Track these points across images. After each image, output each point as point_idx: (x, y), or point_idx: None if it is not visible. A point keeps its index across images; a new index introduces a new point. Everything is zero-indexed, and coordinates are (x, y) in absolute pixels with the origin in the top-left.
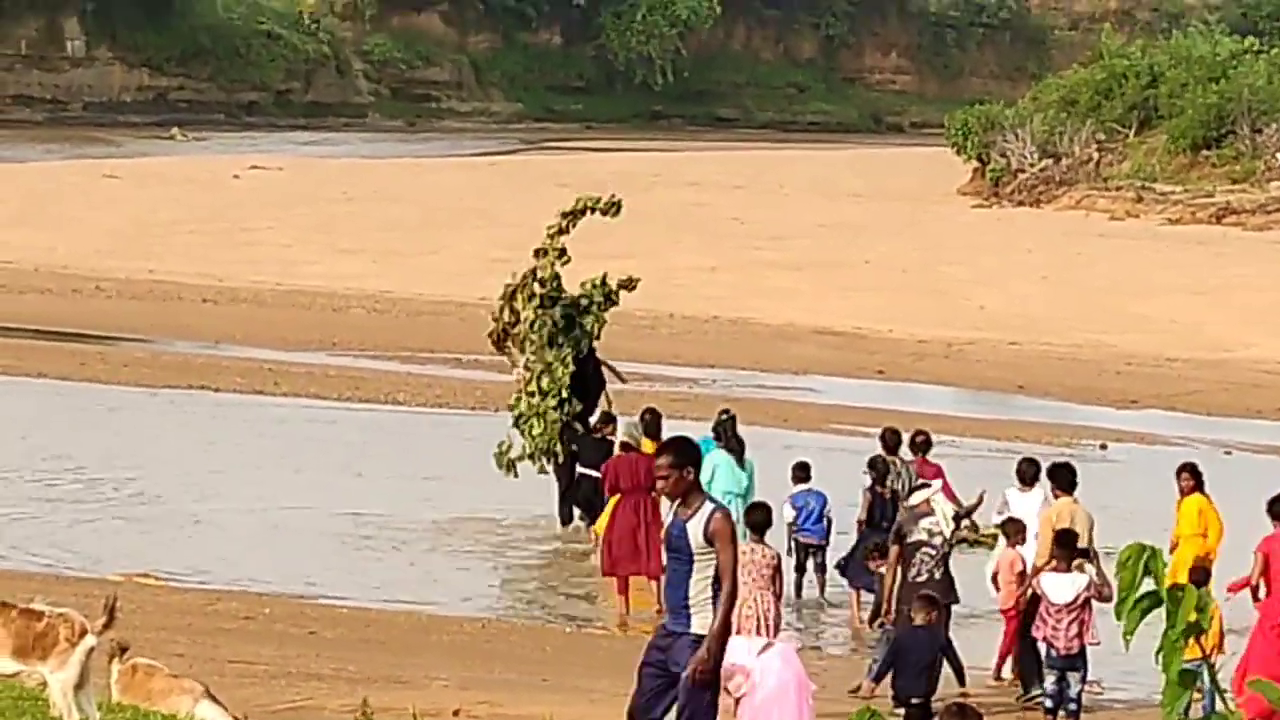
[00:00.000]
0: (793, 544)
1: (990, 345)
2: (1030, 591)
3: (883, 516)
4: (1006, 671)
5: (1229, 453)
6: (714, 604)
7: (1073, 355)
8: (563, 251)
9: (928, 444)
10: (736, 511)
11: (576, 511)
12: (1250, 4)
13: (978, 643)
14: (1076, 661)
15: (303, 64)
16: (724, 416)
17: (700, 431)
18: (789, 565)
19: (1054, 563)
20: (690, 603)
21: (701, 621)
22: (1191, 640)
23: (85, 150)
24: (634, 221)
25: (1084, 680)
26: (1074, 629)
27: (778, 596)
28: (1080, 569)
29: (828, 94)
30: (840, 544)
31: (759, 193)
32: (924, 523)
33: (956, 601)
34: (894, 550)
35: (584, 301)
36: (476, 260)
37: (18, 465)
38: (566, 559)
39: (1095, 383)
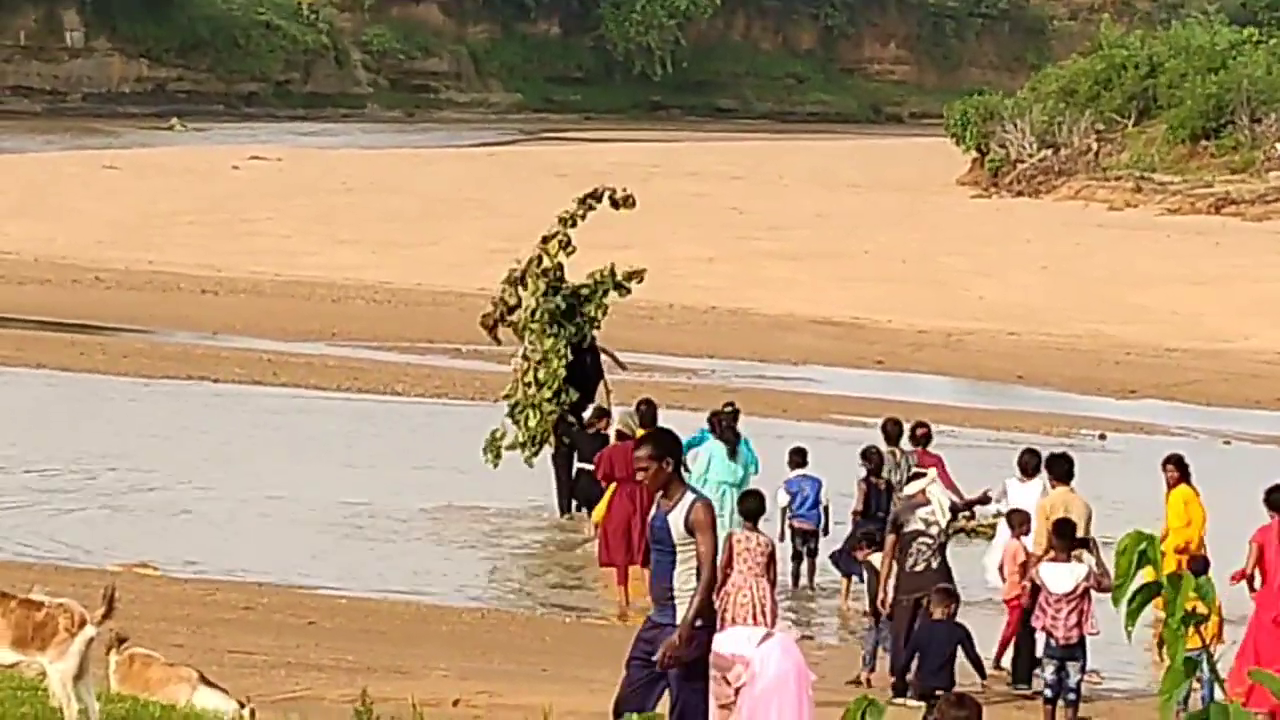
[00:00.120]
0: (788, 530)
1: (989, 335)
2: (1030, 581)
3: (878, 507)
4: (1006, 661)
5: (1228, 443)
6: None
7: (1072, 345)
8: (568, 241)
9: (928, 437)
10: (730, 501)
11: (574, 502)
12: None
13: (974, 631)
14: (1075, 651)
15: (302, 55)
16: (726, 409)
17: (699, 421)
18: (784, 552)
19: (1053, 553)
20: (675, 593)
21: (684, 616)
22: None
23: (84, 141)
24: (633, 212)
25: (1083, 670)
26: (1073, 619)
27: (772, 584)
28: (1079, 559)
29: (827, 84)
30: (838, 534)
31: (758, 183)
32: (920, 512)
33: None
34: (891, 540)
35: (585, 291)
36: (475, 251)
37: (17, 456)
38: (565, 549)
39: (1094, 373)
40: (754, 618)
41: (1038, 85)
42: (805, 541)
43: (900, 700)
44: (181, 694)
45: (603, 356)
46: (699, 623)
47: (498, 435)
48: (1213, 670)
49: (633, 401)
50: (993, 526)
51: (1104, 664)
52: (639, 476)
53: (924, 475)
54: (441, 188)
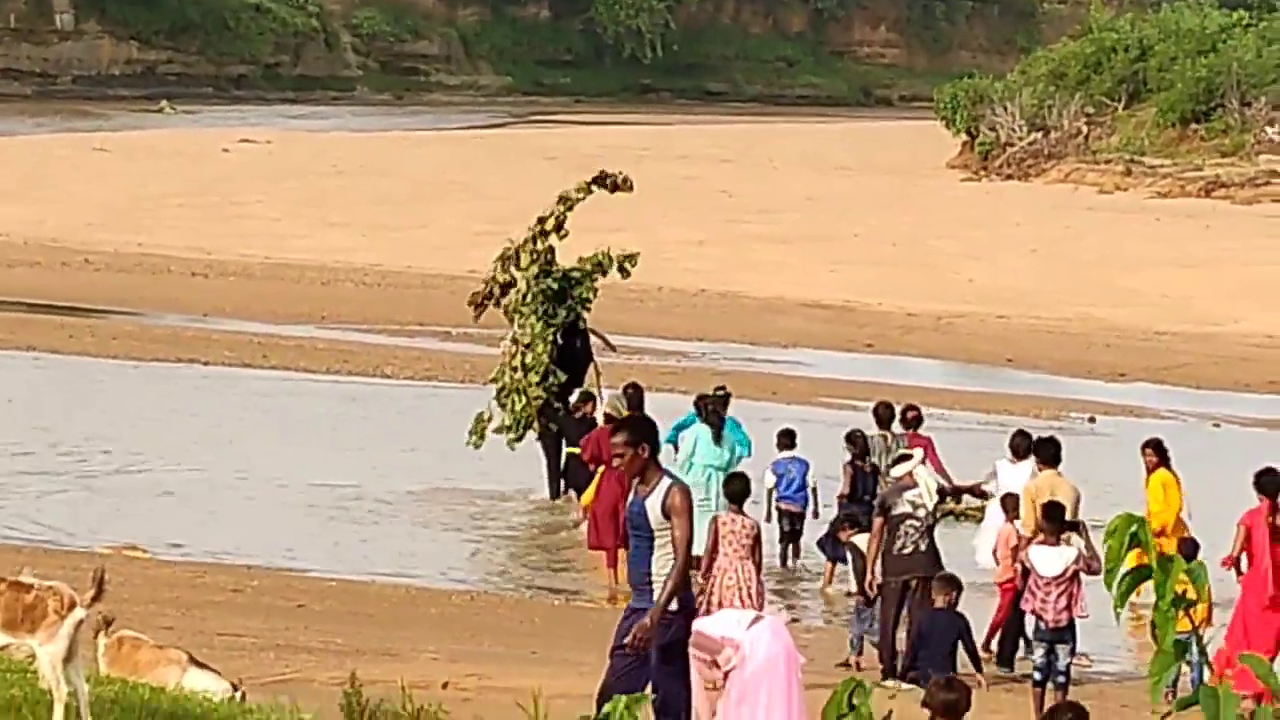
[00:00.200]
0: (774, 511)
1: (979, 318)
2: (1019, 564)
3: (864, 491)
4: (996, 645)
5: (1217, 426)
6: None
7: (1061, 328)
8: (560, 224)
9: (919, 419)
10: (716, 485)
11: (563, 485)
12: None
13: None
14: (1065, 634)
15: (291, 37)
16: (718, 393)
17: (689, 404)
18: (773, 534)
19: (1042, 535)
20: (653, 579)
21: (656, 600)
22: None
23: (74, 124)
24: (623, 195)
25: (1073, 653)
26: (1062, 601)
27: (758, 566)
28: (1068, 542)
29: (817, 67)
30: (826, 518)
31: (748, 166)
32: (908, 495)
33: (942, 572)
34: (878, 522)
35: (576, 274)
36: (465, 234)
37: (6, 439)
38: (555, 532)
39: (1084, 356)
40: (740, 600)
41: (1028, 68)
42: (792, 523)
43: (889, 683)
44: (171, 676)
45: (593, 338)
46: (674, 607)
47: (484, 418)
48: (1202, 653)
49: (622, 384)
50: (981, 510)
51: (1093, 647)
52: (615, 463)
53: (910, 457)
54: (431, 171)
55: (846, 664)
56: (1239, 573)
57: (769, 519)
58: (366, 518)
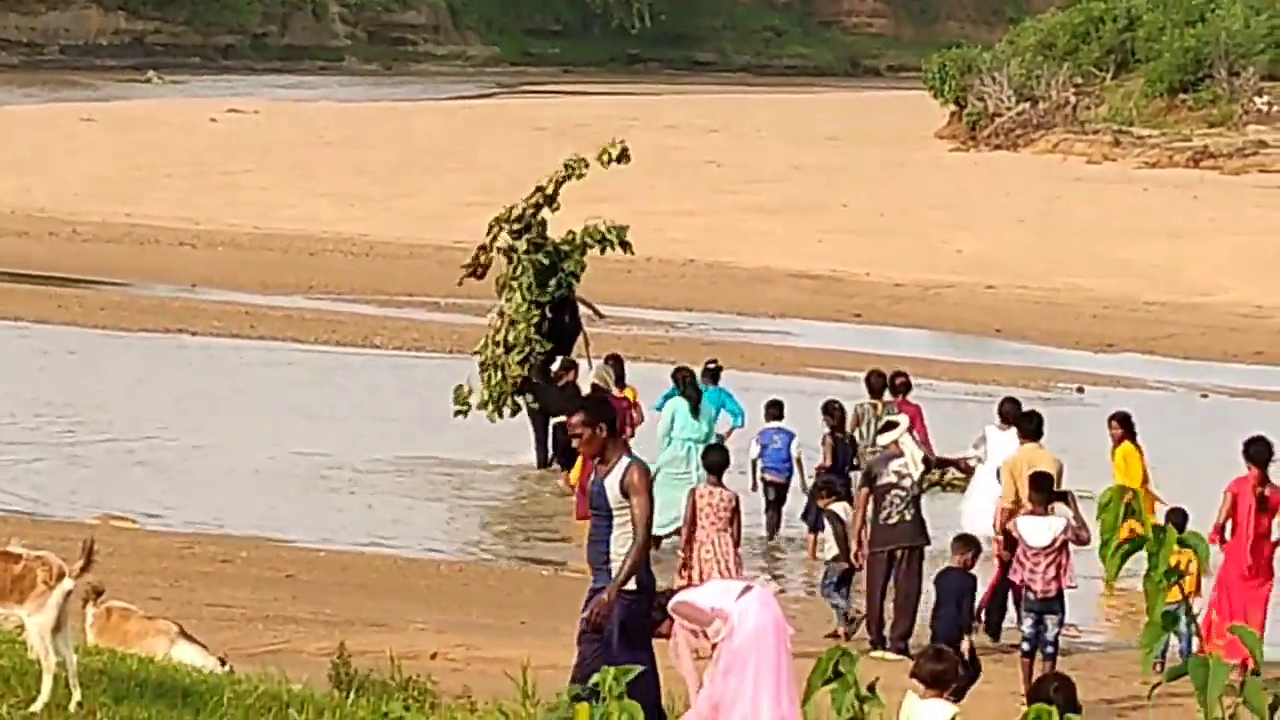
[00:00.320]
0: (760, 481)
1: (967, 289)
2: (1006, 534)
3: (844, 461)
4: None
5: (1205, 396)
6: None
7: (1050, 299)
8: (553, 198)
9: (907, 386)
10: (695, 457)
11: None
12: None
13: None
14: (1054, 604)
15: (279, 7)
16: (710, 365)
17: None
18: (758, 504)
19: (1030, 506)
20: (611, 559)
21: (615, 577)
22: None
23: (62, 94)
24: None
25: (1061, 623)
26: (1051, 572)
27: (736, 539)
28: (1053, 511)
29: (805, 37)
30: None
31: (735, 136)
32: (893, 464)
33: (928, 543)
34: (864, 492)
35: (565, 247)
36: (453, 204)
37: None
38: (543, 503)
39: (1072, 326)
40: (718, 572)
41: (1016, 38)
42: (778, 493)
43: (878, 653)
44: (160, 647)
45: (582, 308)
46: (633, 586)
47: (464, 391)
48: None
49: (604, 355)
50: (965, 481)
51: (1081, 617)
52: (574, 443)
53: (896, 424)
54: (419, 141)
55: (835, 635)
56: (1222, 541)
57: (754, 488)
58: (354, 488)
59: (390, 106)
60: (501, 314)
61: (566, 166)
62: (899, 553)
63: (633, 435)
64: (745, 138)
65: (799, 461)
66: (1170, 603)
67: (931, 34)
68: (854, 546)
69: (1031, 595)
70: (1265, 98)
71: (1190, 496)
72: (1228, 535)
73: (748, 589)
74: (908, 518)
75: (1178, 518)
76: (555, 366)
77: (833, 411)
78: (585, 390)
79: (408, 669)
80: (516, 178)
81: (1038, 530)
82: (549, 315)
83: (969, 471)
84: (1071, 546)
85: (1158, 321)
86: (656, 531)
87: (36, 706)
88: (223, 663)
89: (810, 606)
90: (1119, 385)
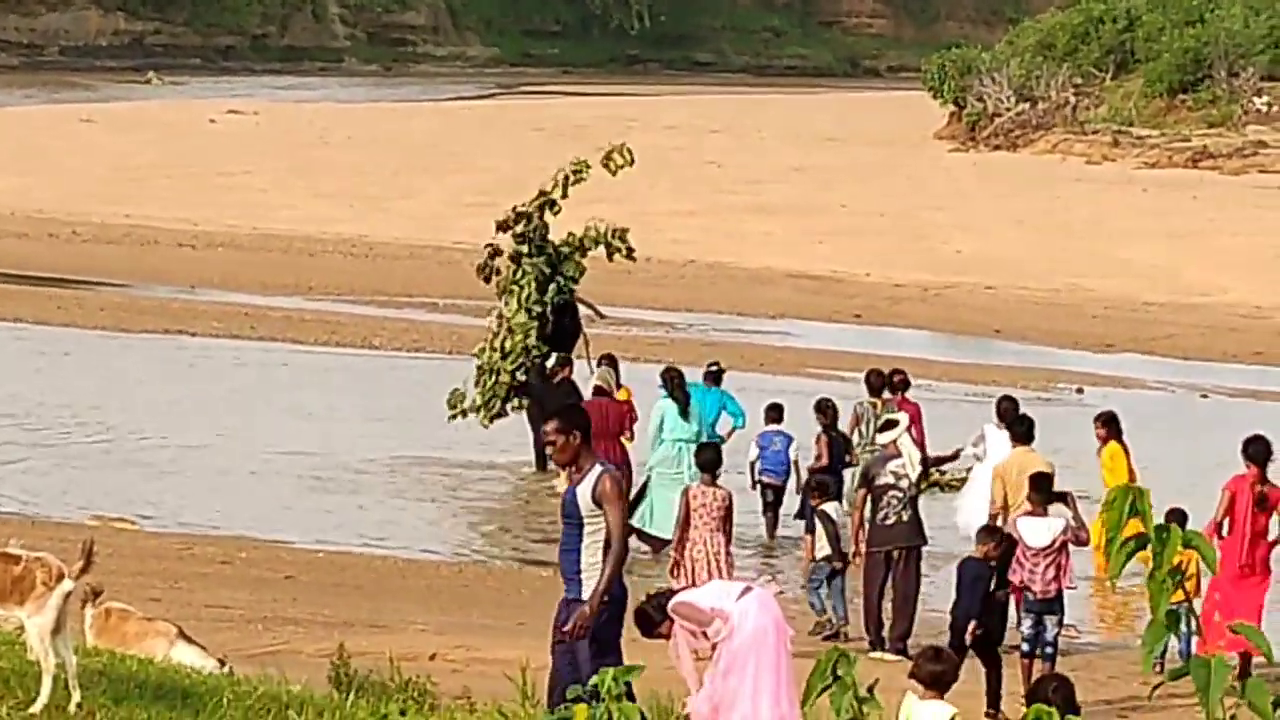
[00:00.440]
0: (758, 483)
1: (967, 289)
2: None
3: (840, 459)
4: None
5: (1205, 396)
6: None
7: (1049, 299)
8: (553, 203)
9: (906, 383)
10: (687, 458)
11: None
12: None
13: (943, 585)
14: (1053, 605)
15: (279, 8)
16: (712, 368)
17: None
18: (754, 505)
19: (1030, 506)
20: (583, 568)
21: (591, 586)
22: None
23: (61, 95)
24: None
25: (1060, 624)
26: (1050, 573)
27: (728, 537)
28: (1044, 512)
29: (804, 38)
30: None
31: (735, 137)
32: (891, 465)
33: (925, 543)
34: (861, 493)
35: (565, 250)
36: (453, 205)
37: None
38: (542, 503)
39: (1072, 327)
40: (709, 571)
41: (1015, 39)
42: (776, 495)
43: (877, 654)
44: (159, 648)
45: (582, 309)
46: (606, 596)
47: (459, 395)
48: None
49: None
50: (963, 481)
51: (1080, 618)
52: (548, 451)
53: (896, 423)
54: (418, 142)
55: (835, 635)
56: (1219, 538)
57: (753, 487)
58: (354, 489)
59: (390, 107)
60: (500, 316)
61: (573, 172)
62: (896, 553)
63: (632, 438)
64: (745, 138)
65: (796, 464)
66: (1173, 603)
67: (931, 34)
68: (853, 546)
69: (1031, 596)
70: (1265, 98)
71: (1190, 497)
72: (1224, 533)
73: (747, 590)
74: (905, 518)
75: (1177, 518)
76: (550, 363)
77: (825, 410)
78: (587, 392)
79: (407, 670)
80: (516, 179)
81: (1037, 531)
82: (549, 317)
83: (955, 456)
84: (1071, 547)
85: (1157, 322)
86: (661, 535)
87: (36, 708)
88: (222, 664)
89: (806, 606)
90: (1119, 386)
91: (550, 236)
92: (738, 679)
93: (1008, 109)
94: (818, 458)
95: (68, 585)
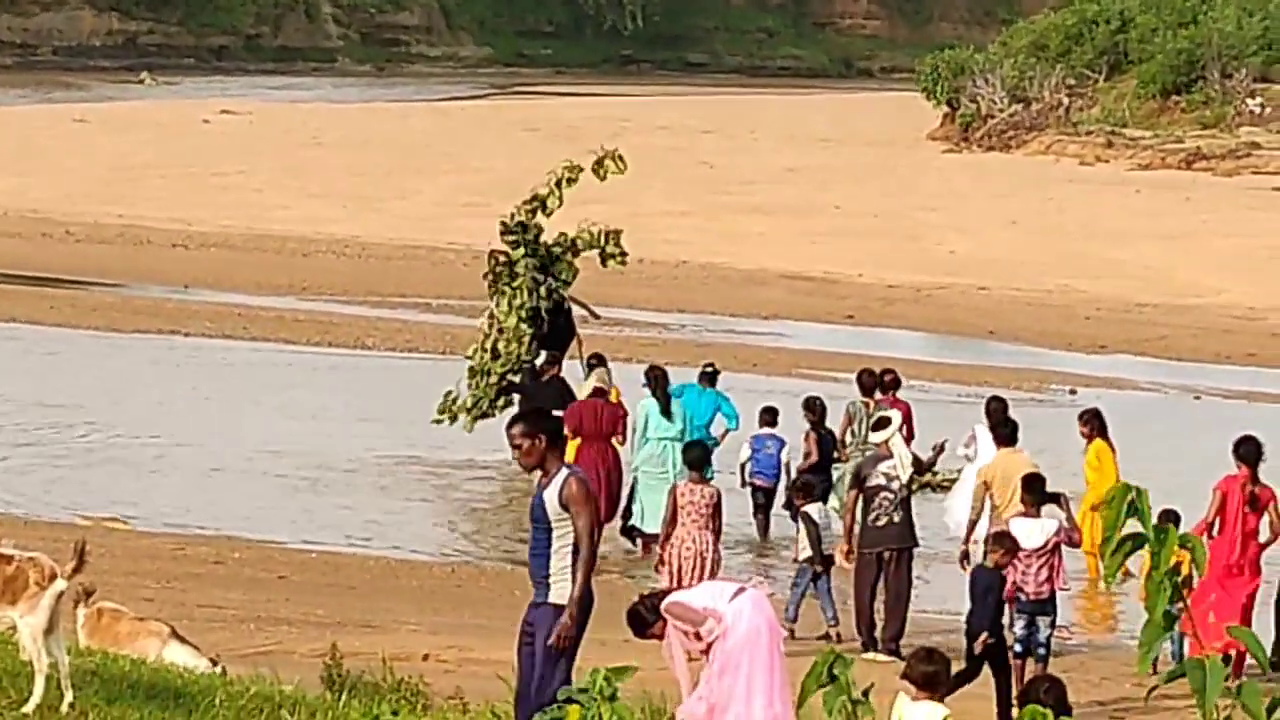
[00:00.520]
0: (750, 485)
1: (960, 290)
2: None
3: (829, 456)
4: None
5: (1198, 397)
6: (575, 572)
7: (1042, 300)
8: (544, 204)
9: (896, 383)
10: (672, 455)
11: None
12: None
13: (935, 585)
14: (1046, 606)
15: (272, 8)
16: (707, 369)
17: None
18: (742, 505)
19: (1023, 508)
20: (551, 573)
21: (560, 591)
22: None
23: (55, 95)
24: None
25: (1053, 625)
26: (1043, 574)
27: (717, 535)
28: (1036, 515)
29: (798, 39)
30: None
31: (729, 138)
32: (882, 466)
33: (916, 545)
34: (852, 494)
35: (557, 250)
36: (446, 205)
37: None
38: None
39: (1065, 328)
40: (696, 569)
41: (1009, 40)
42: (767, 498)
43: (869, 655)
44: (152, 648)
45: (576, 309)
46: (562, 600)
47: (451, 397)
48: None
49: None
50: (953, 482)
51: (1074, 619)
52: (513, 455)
53: (889, 420)
54: (412, 142)
55: (827, 636)
56: (1210, 538)
57: (742, 485)
58: (346, 489)
59: (383, 108)
60: (491, 316)
61: (566, 180)
62: (887, 554)
63: (624, 440)
64: (738, 139)
65: (788, 468)
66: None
67: (924, 35)
68: (845, 546)
69: (1024, 597)
70: (1258, 99)
71: (1184, 498)
72: (1215, 533)
73: (741, 590)
74: (896, 520)
75: (1170, 519)
76: (539, 362)
77: (814, 407)
78: (585, 393)
79: (399, 670)
80: (510, 179)
81: (1030, 532)
82: (545, 317)
83: (940, 450)
84: (1064, 548)
85: (1150, 323)
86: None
87: (29, 707)
88: (215, 664)
89: (807, 608)
90: (1112, 387)
91: (543, 237)
92: (731, 679)
93: (1001, 110)
94: (807, 455)
95: (60, 585)
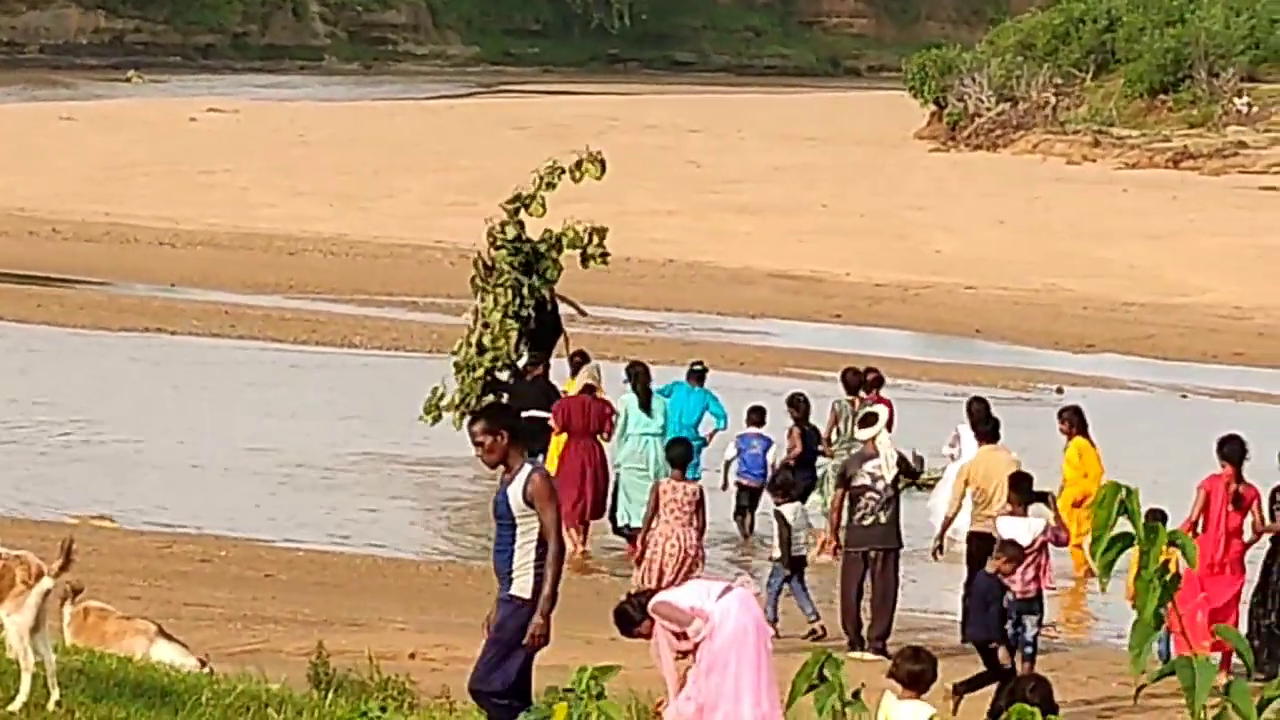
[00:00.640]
0: (735, 485)
1: (947, 289)
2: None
3: (812, 452)
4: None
5: (1185, 396)
6: (537, 567)
7: (1029, 299)
8: (526, 205)
9: (880, 381)
10: (653, 450)
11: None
12: None
13: (922, 584)
14: (1033, 605)
15: (259, 6)
16: (696, 367)
17: (661, 374)
18: (723, 504)
19: (1010, 506)
20: (514, 568)
21: (521, 584)
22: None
23: (41, 93)
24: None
25: (1040, 624)
26: (1030, 572)
27: (700, 531)
28: (1022, 513)
29: (785, 38)
30: None
31: (716, 137)
32: (868, 466)
33: (901, 546)
34: (838, 493)
35: (542, 247)
36: (433, 204)
37: None
38: None
39: (1052, 327)
40: (679, 565)
41: (996, 39)
42: (751, 498)
43: (856, 654)
44: (139, 646)
45: (563, 306)
46: (527, 595)
47: (438, 394)
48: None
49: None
50: (938, 480)
51: (1060, 618)
52: (476, 452)
53: (876, 416)
54: (399, 140)
55: (813, 633)
56: (1194, 536)
57: (724, 488)
58: (332, 488)
59: (370, 106)
60: (477, 312)
61: (546, 184)
62: (872, 554)
63: (609, 438)
64: (725, 138)
65: (773, 468)
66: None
67: (912, 34)
68: (831, 543)
69: (1011, 595)
70: (1245, 99)
71: (1170, 496)
72: (1199, 531)
73: (728, 589)
74: (883, 519)
75: (1157, 518)
76: (523, 362)
77: (798, 403)
78: (575, 390)
79: (386, 669)
80: (497, 178)
81: (1017, 531)
82: (532, 314)
83: (920, 461)
84: (1051, 547)
85: (1137, 322)
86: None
87: (15, 705)
88: (203, 664)
89: (788, 606)
90: (1098, 386)
91: (528, 235)
92: (719, 678)
93: (988, 109)
94: (790, 449)
95: (47, 583)
